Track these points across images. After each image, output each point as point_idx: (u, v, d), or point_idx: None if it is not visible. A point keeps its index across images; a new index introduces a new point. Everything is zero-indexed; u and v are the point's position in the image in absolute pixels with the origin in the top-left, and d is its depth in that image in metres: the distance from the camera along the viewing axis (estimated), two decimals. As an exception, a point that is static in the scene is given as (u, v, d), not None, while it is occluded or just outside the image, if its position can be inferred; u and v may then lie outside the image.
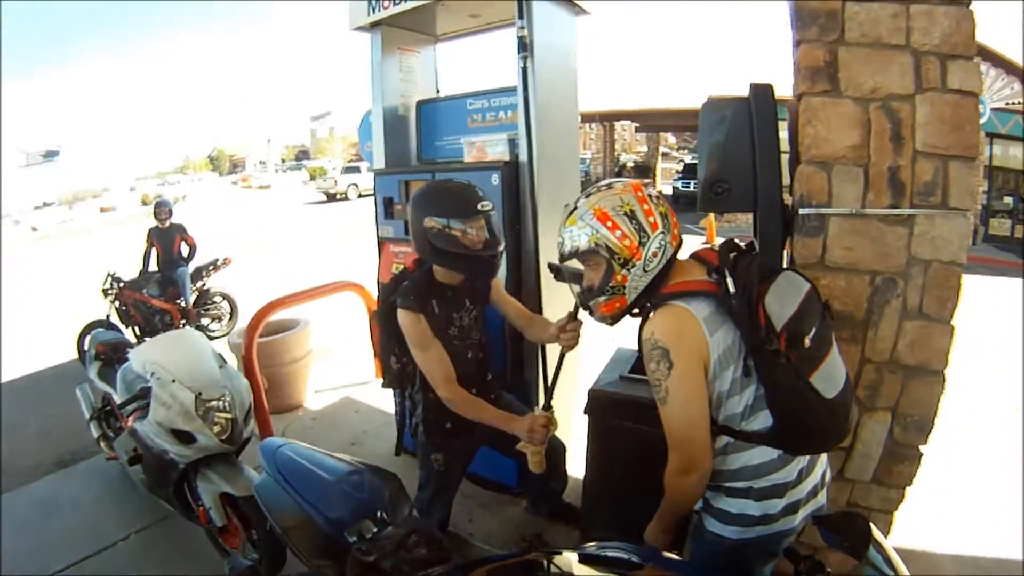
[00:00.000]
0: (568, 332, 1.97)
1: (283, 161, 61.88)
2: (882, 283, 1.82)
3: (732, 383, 1.33)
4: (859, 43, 1.77)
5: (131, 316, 6.08)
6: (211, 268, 6.78)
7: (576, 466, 2.68)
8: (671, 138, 40.72)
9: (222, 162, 62.95)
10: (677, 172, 23.70)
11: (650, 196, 1.41)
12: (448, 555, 1.49)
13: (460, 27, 3.37)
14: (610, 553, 1.29)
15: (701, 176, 1.95)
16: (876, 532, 1.29)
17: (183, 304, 6.42)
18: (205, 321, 6.63)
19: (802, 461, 1.40)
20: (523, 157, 2.61)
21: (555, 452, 2.45)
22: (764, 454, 1.36)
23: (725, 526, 1.42)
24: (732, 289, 1.31)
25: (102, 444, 3.44)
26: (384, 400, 4.24)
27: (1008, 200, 15.87)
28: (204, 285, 6.75)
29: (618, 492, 1.89)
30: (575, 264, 1.50)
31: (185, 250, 6.52)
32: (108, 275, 6.06)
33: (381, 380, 2.42)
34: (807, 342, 1.28)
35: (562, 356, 2.04)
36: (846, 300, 1.85)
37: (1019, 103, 14.84)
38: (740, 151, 1.91)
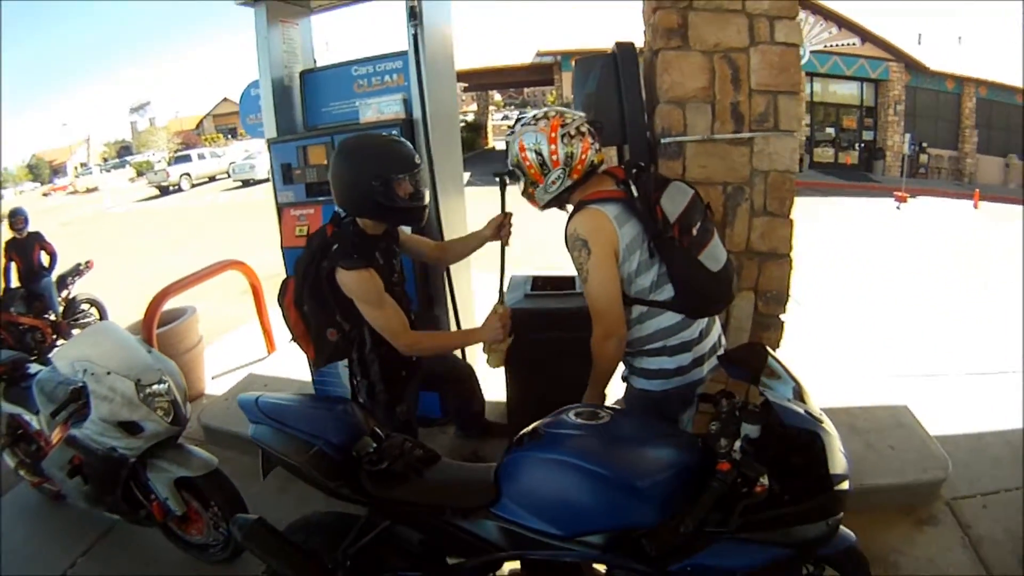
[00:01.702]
0: (508, 226, 2.35)
1: (105, 160, 56.42)
2: (732, 191, 2.50)
3: (640, 264, 1.84)
4: (704, 8, 2.40)
5: (0, 339, 5.68)
6: (75, 275, 6.53)
7: (494, 390, 3.02)
8: (496, 95, 42.00)
9: (42, 169, 56.32)
10: (508, 128, 25.14)
11: (562, 136, 1.86)
12: (437, 454, 1.88)
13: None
14: (565, 419, 1.71)
15: None
16: (774, 356, 1.72)
17: (52, 317, 6.13)
18: (77, 331, 6.30)
19: (701, 323, 1.95)
20: (416, 115, 3.02)
21: (469, 376, 2.82)
22: (671, 318, 1.89)
23: (648, 381, 1.97)
24: (636, 194, 1.82)
25: (22, 472, 3.35)
26: (288, 370, 4.41)
27: (830, 131, 18.62)
28: (70, 294, 6.49)
29: (540, 399, 2.09)
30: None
31: (46, 259, 6.21)
32: None
33: (312, 361, 2.44)
34: (694, 232, 1.83)
35: (503, 252, 2.37)
36: (706, 207, 2.48)
37: (836, 45, 17.30)
38: (608, 97, 2.49)
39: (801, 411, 1.51)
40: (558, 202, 1.98)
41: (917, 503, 2.68)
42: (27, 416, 3.12)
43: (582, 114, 1.95)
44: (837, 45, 17.49)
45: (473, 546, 1.73)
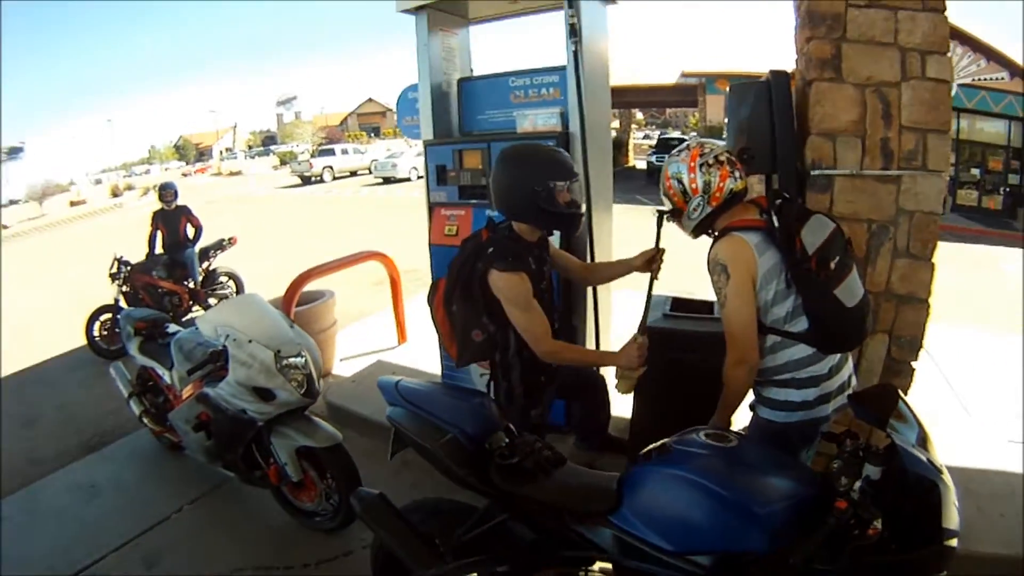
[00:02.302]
0: (659, 262, 2.37)
1: (249, 147, 60.90)
2: (877, 229, 2.46)
3: (776, 294, 1.87)
4: (858, 40, 2.39)
5: (139, 299, 6.23)
6: (217, 248, 7.01)
7: (618, 405, 3.04)
8: (638, 114, 41.80)
9: (188, 151, 61.70)
10: (650, 147, 25.13)
11: (700, 165, 1.94)
12: (564, 457, 1.94)
13: (494, 12, 3.85)
14: (694, 438, 1.73)
15: (730, 145, 2.49)
16: (904, 400, 1.74)
17: (191, 285, 6.63)
18: (212, 301, 6.80)
19: (832, 360, 1.94)
20: (574, 128, 3.12)
21: (602, 389, 2.84)
22: (803, 351, 1.90)
23: (772, 411, 1.99)
24: (776, 224, 1.86)
25: (145, 420, 3.64)
26: (417, 361, 4.63)
27: (975, 172, 17.20)
28: (210, 265, 6.97)
29: (665, 419, 2.14)
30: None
31: (191, 232, 6.70)
32: (115, 259, 6.20)
33: (454, 361, 2.46)
34: (832, 265, 1.84)
35: (651, 285, 2.38)
36: (849, 243, 2.45)
37: (985, 79, 16.12)
38: (760, 124, 2.50)
39: (924, 459, 1.49)
40: (703, 229, 2.04)
41: None
42: (160, 370, 3.42)
43: (723, 143, 2.01)
44: (985, 79, 16.33)
45: (583, 550, 1.78)
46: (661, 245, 2.35)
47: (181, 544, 3.00)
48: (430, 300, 2.46)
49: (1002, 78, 16.26)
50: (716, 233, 2.00)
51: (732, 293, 1.87)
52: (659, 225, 2.28)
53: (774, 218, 1.88)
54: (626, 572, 1.77)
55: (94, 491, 3.50)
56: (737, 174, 1.96)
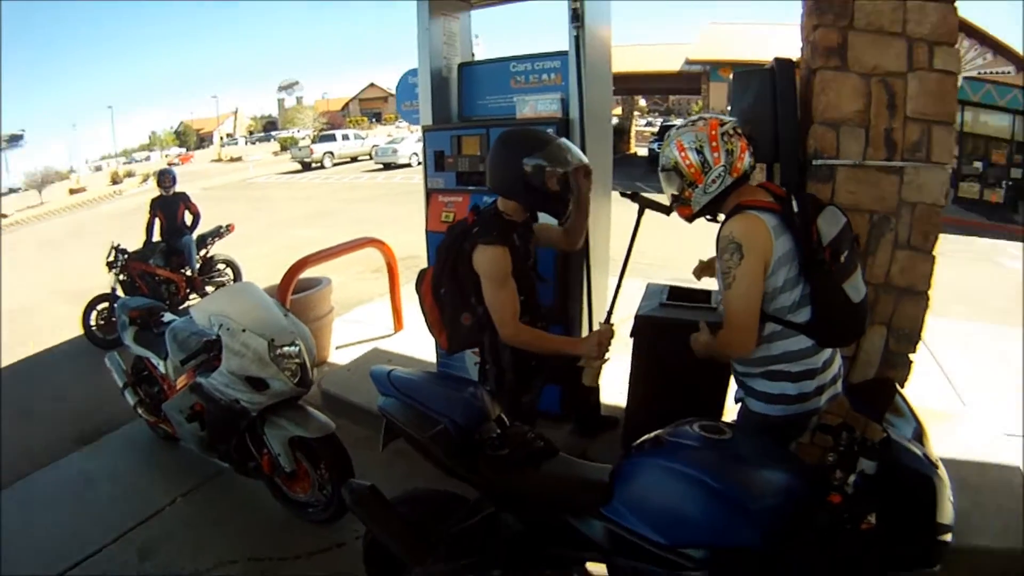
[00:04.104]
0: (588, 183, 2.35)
1: (251, 133, 60.95)
2: (878, 220, 2.43)
3: (786, 281, 1.81)
4: (865, 29, 2.36)
5: (136, 287, 6.21)
6: (215, 236, 6.98)
7: (611, 393, 3.07)
8: (641, 100, 41.78)
9: (189, 136, 61.70)
10: (652, 135, 25.41)
11: (722, 135, 1.86)
12: (557, 448, 1.92)
13: None
14: (688, 430, 1.71)
15: None
16: (902, 394, 1.70)
17: (188, 273, 6.62)
18: (210, 289, 6.77)
19: (825, 354, 1.91)
20: (573, 115, 3.08)
21: None
22: (800, 343, 1.86)
23: (768, 405, 1.94)
24: (796, 209, 1.80)
25: (140, 411, 3.62)
26: (413, 349, 4.60)
27: (978, 165, 17.21)
28: (208, 253, 6.95)
29: (660, 408, 2.14)
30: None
31: (189, 219, 6.68)
32: (112, 247, 6.18)
33: (445, 348, 2.50)
34: (842, 259, 1.79)
35: (622, 273, 2.37)
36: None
37: (991, 72, 16.10)
38: (763, 112, 2.46)
39: (920, 453, 1.48)
40: (713, 208, 1.95)
41: (1016, 571, 2.50)
42: (155, 359, 3.39)
43: (734, 119, 1.93)
44: (991, 73, 16.25)
45: (575, 543, 1.76)
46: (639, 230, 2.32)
47: (175, 536, 2.99)
48: (418, 287, 2.48)
49: (1008, 72, 16.20)
50: (722, 214, 1.93)
51: (742, 275, 1.78)
52: (641, 211, 2.26)
53: (794, 203, 1.83)
54: (619, 572, 1.76)
55: (90, 483, 3.49)
56: (751, 149, 1.91)
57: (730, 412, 2.09)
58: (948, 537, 1.46)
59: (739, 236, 1.79)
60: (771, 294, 1.83)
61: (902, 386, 2.47)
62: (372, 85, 60.20)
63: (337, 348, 4.97)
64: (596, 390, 2.89)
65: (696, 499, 1.57)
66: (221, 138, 55.00)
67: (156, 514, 3.14)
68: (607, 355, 2.25)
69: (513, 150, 2.21)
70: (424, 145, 3.54)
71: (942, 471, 1.49)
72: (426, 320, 2.50)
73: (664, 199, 2.10)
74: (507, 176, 2.22)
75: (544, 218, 2.42)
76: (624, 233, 2.40)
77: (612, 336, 2.24)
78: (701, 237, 2.02)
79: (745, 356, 1.90)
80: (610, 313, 2.34)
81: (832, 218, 1.82)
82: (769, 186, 1.96)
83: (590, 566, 1.90)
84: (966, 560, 2.38)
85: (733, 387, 2.13)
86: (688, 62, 21.97)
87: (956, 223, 13.50)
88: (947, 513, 1.46)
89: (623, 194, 2.34)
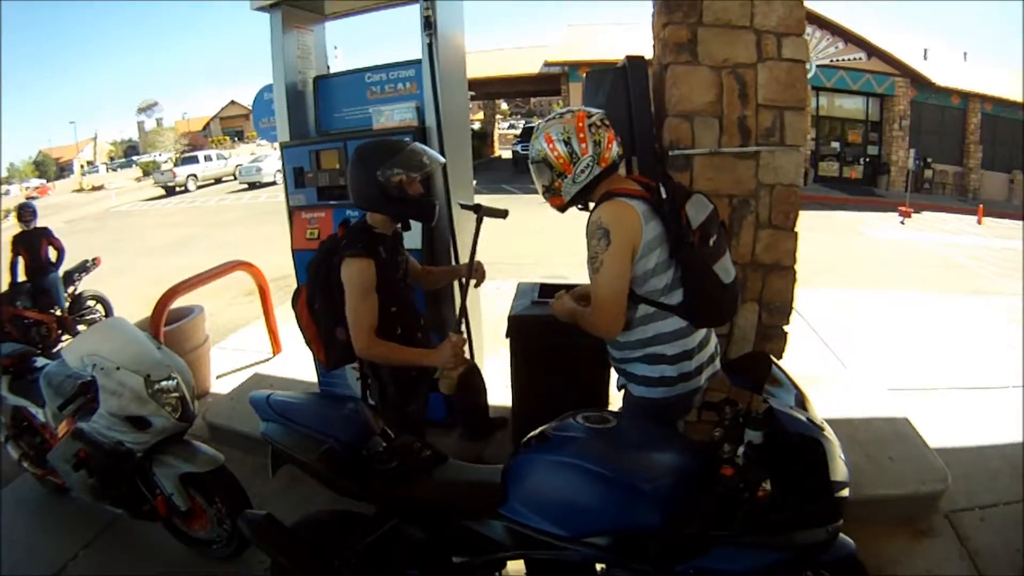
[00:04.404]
0: (480, 272, 2.48)
1: (111, 159, 57.03)
2: (738, 203, 2.58)
3: (657, 264, 1.87)
4: (714, 24, 2.48)
5: (5, 333, 5.72)
6: (81, 271, 6.61)
7: (495, 393, 3.09)
8: (503, 104, 42.37)
9: (48, 166, 56.88)
10: (515, 137, 26.46)
11: (589, 126, 1.90)
12: (446, 455, 1.93)
13: (349, 7, 3.74)
14: (571, 423, 1.77)
15: None
16: (777, 364, 1.78)
17: (58, 312, 6.21)
18: (82, 327, 6.35)
19: (700, 334, 2.00)
20: (430, 122, 3.08)
21: (475, 375, 2.84)
22: (674, 324, 1.93)
23: (650, 389, 1.99)
24: (664, 195, 1.87)
25: (25, 464, 3.39)
26: (293, 371, 4.47)
27: (835, 145, 18.79)
28: (76, 290, 6.57)
29: (545, 403, 2.16)
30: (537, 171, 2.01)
31: (53, 255, 6.27)
32: None
33: (323, 365, 2.50)
34: (711, 243, 1.88)
35: (465, 289, 2.41)
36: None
37: (842, 60, 17.51)
38: (618, 109, 2.55)
39: (803, 418, 1.56)
40: (583, 197, 1.99)
41: (916, 515, 2.73)
42: (33, 408, 3.16)
43: (601, 111, 1.98)
44: (844, 60, 17.65)
45: (479, 546, 1.78)
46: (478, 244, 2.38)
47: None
48: (294, 304, 2.47)
49: (859, 58, 17.69)
50: (592, 203, 1.98)
51: (609, 260, 1.82)
52: (478, 224, 2.32)
53: (662, 190, 1.89)
54: (539, 568, 1.80)
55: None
56: (619, 140, 1.96)
57: (615, 400, 2.15)
58: (845, 492, 1.55)
59: (607, 222, 1.83)
60: (643, 277, 1.88)
61: (780, 357, 2.64)
62: (233, 103, 57.60)
63: (218, 377, 4.80)
64: (484, 393, 2.92)
65: (589, 489, 1.61)
66: (81, 166, 50.92)
67: (58, 573, 2.95)
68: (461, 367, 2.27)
69: (367, 163, 2.22)
70: (283, 162, 3.45)
71: (828, 431, 1.57)
72: (304, 337, 2.48)
73: (509, 202, 2.15)
74: (365, 190, 2.24)
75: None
76: (491, 233, 2.44)
77: (464, 344, 2.26)
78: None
79: (611, 338, 1.96)
80: (458, 323, 2.37)
81: (699, 204, 1.91)
82: (637, 177, 2.04)
83: (511, 565, 1.89)
84: (868, 511, 2.59)
85: (615, 376, 2.18)
86: (547, 64, 22.46)
87: (819, 200, 14.63)
88: (840, 470, 1.54)
89: (464, 206, 2.42)
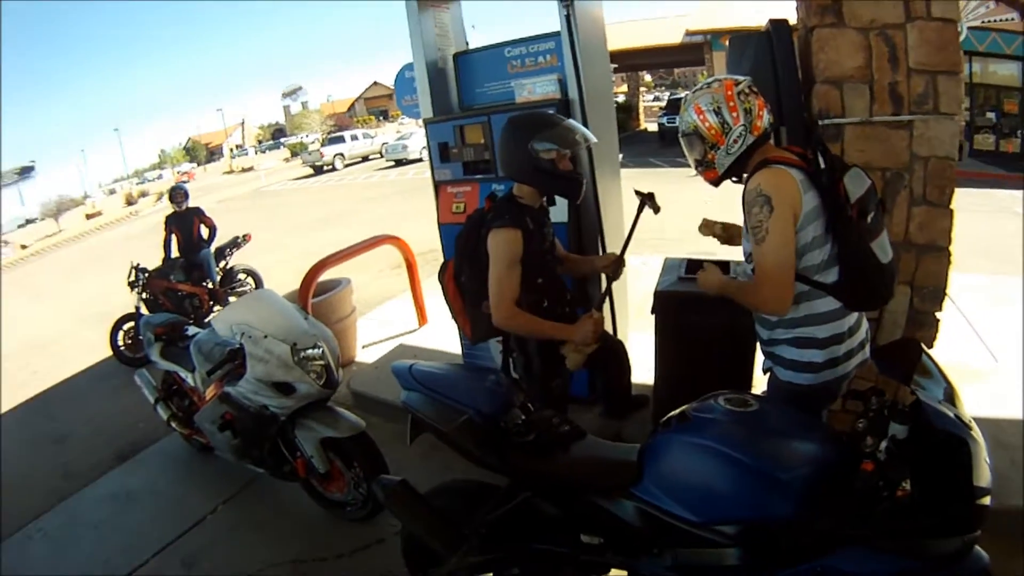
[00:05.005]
0: (621, 266, 2.45)
1: (259, 142, 61.61)
2: (891, 177, 2.38)
3: (814, 239, 1.77)
4: (859, -17, 2.27)
5: (160, 304, 6.28)
6: (232, 247, 7.06)
7: (638, 371, 3.00)
8: (646, 76, 41.40)
9: (199, 151, 62.51)
10: (660, 109, 25.77)
11: (738, 94, 1.82)
12: (584, 430, 1.93)
13: None
14: (713, 404, 1.71)
15: None
16: (928, 354, 1.64)
17: (210, 285, 6.69)
18: (233, 299, 6.76)
19: (851, 319, 1.88)
20: (572, 95, 3.06)
21: (622, 353, 2.79)
22: (826, 305, 1.83)
23: (796, 373, 1.91)
24: (822, 167, 1.76)
25: (173, 424, 3.68)
26: (438, 342, 4.63)
27: (990, 116, 16.80)
28: (227, 264, 7.04)
29: (687, 382, 2.13)
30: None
31: (205, 232, 6.73)
32: (132, 267, 6.23)
33: (468, 338, 2.52)
34: (869, 219, 1.76)
35: (610, 283, 2.44)
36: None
37: (995, 20, 15.71)
38: (763, 76, 2.40)
39: (952, 415, 1.42)
40: (738, 168, 1.90)
41: None
42: (183, 373, 3.46)
43: (748, 78, 1.89)
44: (995, 20, 15.84)
45: (608, 525, 1.77)
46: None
47: (218, 543, 3.06)
48: (441, 278, 2.51)
49: (1012, 19, 15.75)
50: (746, 175, 1.89)
51: (775, 227, 1.72)
52: (640, 207, 2.29)
53: (820, 159, 1.78)
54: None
55: (131, 498, 3.57)
56: (769, 107, 1.87)
57: (759, 383, 2.07)
58: (987, 500, 1.41)
59: (767, 188, 1.74)
60: (799, 251, 1.78)
61: (930, 346, 2.45)
62: (376, 83, 60.68)
63: (364, 347, 5.01)
64: (628, 371, 2.86)
65: (725, 474, 1.57)
66: (231, 150, 55.28)
67: (198, 523, 3.22)
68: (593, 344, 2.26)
69: (521, 134, 2.22)
70: (427, 138, 3.53)
71: (976, 432, 1.42)
72: (450, 310, 2.53)
73: (655, 176, 2.09)
74: (517, 161, 2.25)
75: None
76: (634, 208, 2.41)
77: (603, 323, 2.25)
78: (716, 210, 1.99)
79: (782, 313, 1.84)
80: (601, 302, 2.35)
81: (857, 178, 1.78)
82: (791, 147, 1.93)
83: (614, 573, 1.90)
84: (1007, 523, 2.30)
85: (761, 358, 2.10)
86: (688, 33, 21.67)
87: (975, 176, 13.22)
88: (984, 475, 1.40)
89: (638, 193, 2.38)
